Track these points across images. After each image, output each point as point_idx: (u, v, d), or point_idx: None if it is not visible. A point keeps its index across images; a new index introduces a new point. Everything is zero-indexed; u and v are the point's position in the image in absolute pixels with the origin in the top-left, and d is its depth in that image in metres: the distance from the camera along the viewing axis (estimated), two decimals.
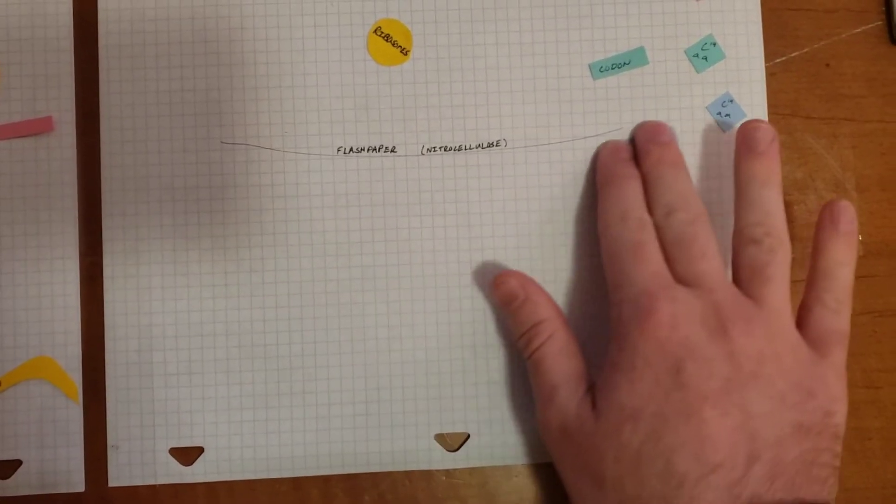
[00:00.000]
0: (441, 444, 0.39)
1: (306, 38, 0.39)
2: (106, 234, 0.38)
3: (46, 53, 0.39)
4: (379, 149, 0.39)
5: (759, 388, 0.33)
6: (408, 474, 0.39)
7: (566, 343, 0.36)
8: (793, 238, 0.36)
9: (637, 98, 0.40)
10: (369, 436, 0.38)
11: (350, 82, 0.39)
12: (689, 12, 0.40)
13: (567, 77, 0.40)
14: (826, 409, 0.34)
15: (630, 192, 0.37)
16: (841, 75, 0.41)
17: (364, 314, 0.39)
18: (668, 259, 0.36)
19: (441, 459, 0.39)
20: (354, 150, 0.39)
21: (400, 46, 0.39)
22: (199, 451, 0.38)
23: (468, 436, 0.39)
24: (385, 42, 0.39)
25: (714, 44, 0.40)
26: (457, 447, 0.39)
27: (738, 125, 0.39)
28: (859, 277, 0.37)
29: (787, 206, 0.38)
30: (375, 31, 0.39)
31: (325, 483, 0.38)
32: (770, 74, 0.40)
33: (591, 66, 0.40)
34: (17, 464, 0.38)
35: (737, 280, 0.36)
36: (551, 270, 0.39)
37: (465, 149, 0.39)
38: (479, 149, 0.39)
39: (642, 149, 0.38)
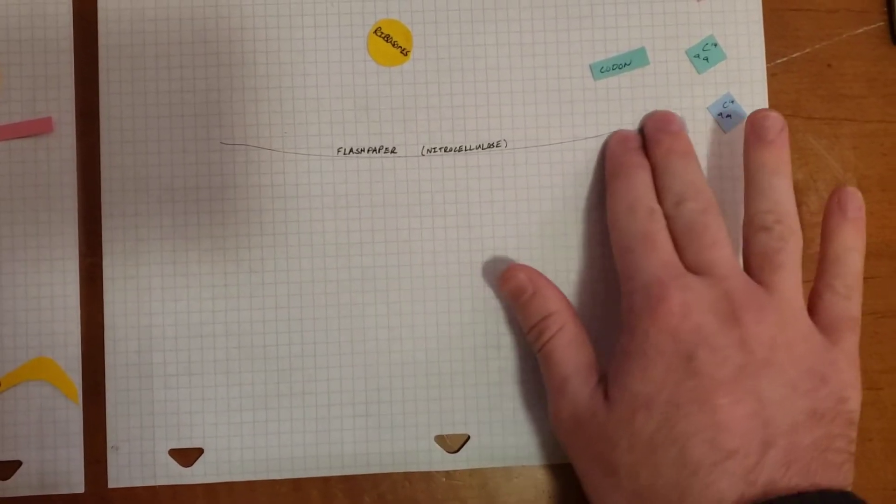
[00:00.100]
0: (441, 446, 0.39)
1: (306, 38, 0.39)
2: (106, 235, 0.38)
3: (46, 54, 0.38)
4: (379, 149, 0.39)
5: (772, 375, 0.33)
6: (408, 475, 0.39)
7: (576, 335, 0.36)
8: None
9: (638, 99, 0.40)
10: (369, 437, 0.38)
11: (350, 83, 0.39)
12: (690, 13, 0.40)
13: (568, 78, 0.40)
14: (839, 394, 0.34)
15: (639, 183, 0.37)
16: (842, 76, 0.41)
17: (364, 315, 0.39)
18: (679, 248, 0.36)
19: (441, 461, 0.38)
20: (354, 150, 0.39)
21: (400, 47, 0.39)
22: (199, 452, 0.38)
23: (468, 437, 0.39)
24: (385, 42, 0.39)
25: (715, 44, 0.40)
26: (457, 448, 0.39)
27: (738, 127, 0.39)
28: None
29: None
30: (375, 32, 0.39)
31: (324, 484, 0.38)
32: (771, 75, 0.40)
33: (591, 67, 0.40)
34: (16, 464, 0.38)
35: (748, 268, 0.36)
36: (552, 271, 0.39)
37: (466, 149, 0.39)
38: (480, 149, 0.39)
39: (652, 138, 0.38)
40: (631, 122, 0.39)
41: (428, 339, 0.39)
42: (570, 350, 0.36)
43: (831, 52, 0.41)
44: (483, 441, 0.39)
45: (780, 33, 0.40)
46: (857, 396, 0.35)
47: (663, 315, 0.34)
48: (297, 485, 0.38)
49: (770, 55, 0.40)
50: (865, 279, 0.36)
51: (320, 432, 0.38)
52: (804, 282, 0.36)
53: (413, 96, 0.39)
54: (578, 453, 0.35)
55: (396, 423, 0.38)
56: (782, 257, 0.35)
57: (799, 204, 0.40)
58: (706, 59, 0.40)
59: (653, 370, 0.34)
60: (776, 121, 0.37)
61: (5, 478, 0.37)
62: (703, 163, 0.39)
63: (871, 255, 0.40)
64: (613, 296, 0.39)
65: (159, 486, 0.38)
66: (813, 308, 0.36)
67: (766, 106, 0.40)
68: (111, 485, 0.38)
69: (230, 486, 0.38)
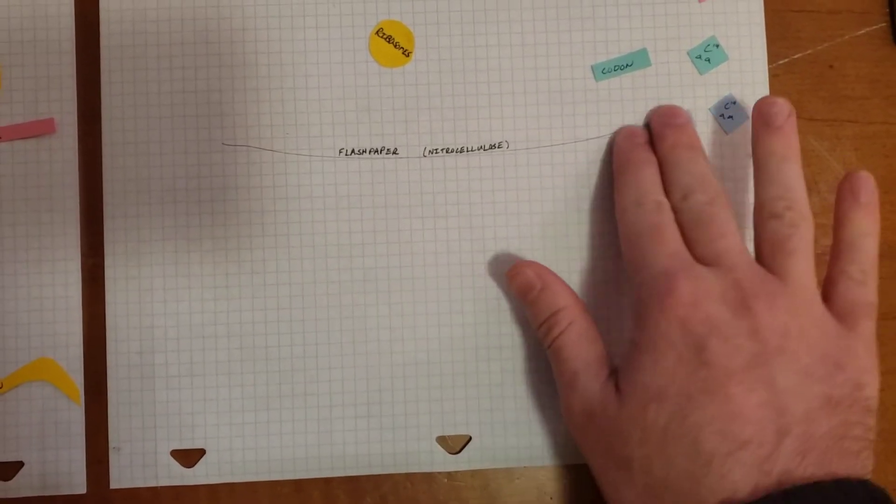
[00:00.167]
0: (443, 447, 0.39)
1: (308, 39, 0.39)
2: (107, 236, 0.38)
3: (48, 55, 0.39)
4: (381, 150, 0.39)
5: (785, 363, 0.33)
6: (409, 476, 0.39)
7: (586, 329, 0.36)
8: None
9: (639, 100, 0.40)
10: (371, 438, 0.38)
11: (352, 84, 0.39)
12: (692, 14, 0.40)
13: (569, 79, 0.40)
14: (856, 381, 0.33)
15: (646, 177, 0.37)
16: (844, 77, 0.41)
17: (366, 316, 0.39)
18: (688, 241, 0.35)
19: (443, 462, 0.39)
20: (356, 151, 0.39)
21: (402, 48, 0.39)
22: (201, 452, 0.38)
23: (470, 438, 0.39)
24: (387, 43, 0.39)
25: (717, 45, 0.40)
26: (458, 449, 0.39)
27: (740, 128, 0.39)
28: None
29: None
30: (377, 33, 0.39)
31: (326, 485, 0.38)
32: (773, 76, 0.40)
33: (593, 68, 0.40)
34: (18, 465, 0.38)
35: (760, 257, 0.35)
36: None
37: (467, 150, 0.39)
38: (481, 150, 0.39)
39: (658, 133, 0.38)
40: (633, 123, 0.39)
41: (429, 340, 0.39)
42: (580, 345, 0.36)
43: (833, 53, 0.41)
44: (485, 442, 0.39)
45: (781, 34, 0.40)
46: (875, 383, 0.34)
47: (673, 305, 0.33)
48: (298, 486, 0.38)
49: (772, 56, 0.40)
50: None
51: (322, 433, 0.38)
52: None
53: (415, 97, 0.39)
54: (591, 448, 0.35)
55: (398, 423, 0.38)
56: (794, 243, 0.34)
57: None
58: (708, 60, 0.40)
59: (664, 362, 0.33)
60: (783, 107, 0.36)
61: (7, 478, 0.38)
62: None
63: None
64: (616, 297, 0.39)
65: (161, 487, 0.38)
66: (827, 295, 0.35)
67: None
68: (113, 485, 0.38)
69: (232, 487, 0.38)
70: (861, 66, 0.41)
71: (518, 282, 0.37)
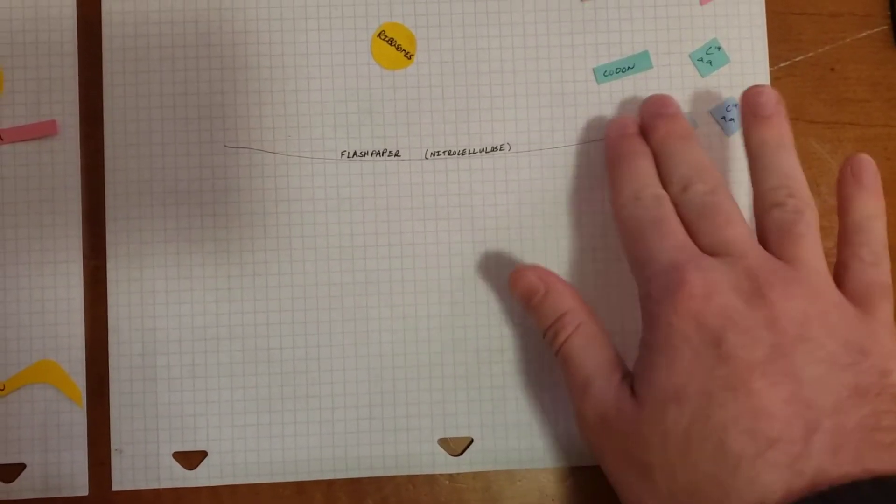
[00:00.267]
0: (444, 449, 0.39)
1: (310, 41, 0.39)
2: (109, 238, 0.38)
3: (50, 57, 0.39)
4: (383, 153, 0.39)
5: (808, 352, 0.31)
6: (411, 478, 0.39)
7: (595, 332, 0.35)
8: None
9: (641, 102, 0.40)
10: (373, 440, 0.38)
11: (354, 86, 0.39)
12: (694, 17, 0.40)
13: (571, 81, 0.40)
14: (882, 367, 0.31)
15: (641, 169, 0.36)
16: (845, 79, 0.41)
17: (368, 318, 0.39)
18: (692, 233, 0.34)
19: (444, 464, 0.39)
20: (358, 154, 0.39)
21: (404, 50, 0.39)
22: (203, 455, 0.38)
23: (472, 440, 0.39)
24: (389, 46, 0.39)
25: (718, 48, 0.40)
26: (460, 451, 0.39)
27: (739, 132, 0.39)
28: None
29: None
30: (379, 35, 0.39)
31: (328, 487, 0.38)
32: (774, 79, 0.40)
33: (595, 71, 0.40)
34: (20, 467, 0.38)
35: (765, 247, 0.34)
36: None
37: (469, 153, 0.39)
38: (483, 153, 0.39)
39: (649, 124, 0.37)
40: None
41: (431, 342, 0.39)
42: (589, 349, 0.34)
43: (834, 55, 0.41)
44: (486, 444, 0.39)
45: (783, 37, 0.40)
46: None
47: (684, 299, 0.32)
48: (300, 488, 0.38)
49: (773, 59, 0.40)
50: None
51: (324, 435, 0.38)
52: None
53: (417, 100, 0.39)
54: (608, 456, 0.33)
55: (400, 426, 0.38)
56: (801, 228, 0.33)
57: None
58: (709, 62, 0.40)
59: (679, 360, 0.31)
60: (771, 95, 0.35)
61: (9, 480, 0.38)
62: None
63: None
64: (620, 299, 0.39)
65: (163, 489, 0.38)
66: (840, 280, 0.33)
67: None
68: (115, 487, 0.38)
69: (234, 489, 0.38)
70: (862, 69, 0.41)
71: (521, 286, 0.36)
